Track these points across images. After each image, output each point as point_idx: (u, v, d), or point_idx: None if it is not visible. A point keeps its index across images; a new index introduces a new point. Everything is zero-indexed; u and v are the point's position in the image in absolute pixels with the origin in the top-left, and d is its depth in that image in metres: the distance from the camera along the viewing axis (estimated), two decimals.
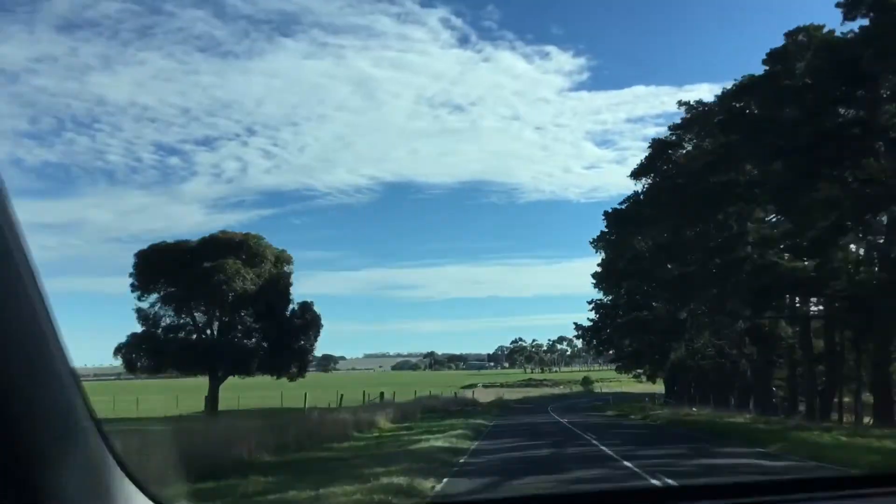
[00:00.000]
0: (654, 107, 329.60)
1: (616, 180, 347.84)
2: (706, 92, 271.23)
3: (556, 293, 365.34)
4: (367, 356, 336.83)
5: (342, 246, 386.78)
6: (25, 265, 1.09)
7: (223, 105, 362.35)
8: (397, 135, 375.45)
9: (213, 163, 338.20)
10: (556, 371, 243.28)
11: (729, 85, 42.46)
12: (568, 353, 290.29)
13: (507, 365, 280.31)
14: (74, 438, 1.23)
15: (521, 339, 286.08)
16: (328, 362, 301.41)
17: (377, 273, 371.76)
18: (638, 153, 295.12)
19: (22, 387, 1.07)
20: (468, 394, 75.70)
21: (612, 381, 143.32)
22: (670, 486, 3.25)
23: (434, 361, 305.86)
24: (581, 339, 73.57)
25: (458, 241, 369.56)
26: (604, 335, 63.26)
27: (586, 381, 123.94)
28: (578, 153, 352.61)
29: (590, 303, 62.24)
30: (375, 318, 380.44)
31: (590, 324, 63.77)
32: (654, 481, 12.19)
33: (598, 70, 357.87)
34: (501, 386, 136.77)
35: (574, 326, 65.70)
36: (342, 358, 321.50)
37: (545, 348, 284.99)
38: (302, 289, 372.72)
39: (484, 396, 76.33)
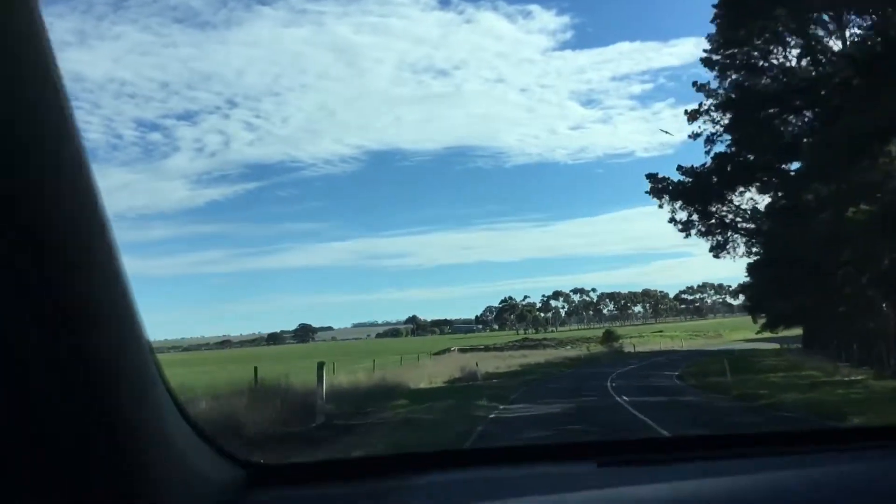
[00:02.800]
0: (638, 63, 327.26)
1: (602, 140, 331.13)
2: (691, 47, 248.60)
3: (546, 256, 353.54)
4: (356, 325, 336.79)
5: (329, 217, 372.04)
6: (110, 237, 1.13)
7: (203, 77, 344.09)
8: (381, 102, 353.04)
9: (194, 137, 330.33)
10: (552, 331, 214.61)
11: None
12: (564, 310, 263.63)
13: (496, 327, 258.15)
14: (152, 404, 1.29)
15: (511, 298, 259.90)
16: (306, 332, 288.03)
17: (365, 242, 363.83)
18: (624, 112, 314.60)
19: (107, 355, 1.12)
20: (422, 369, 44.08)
21: (635, 336, 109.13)
22: (666, 437, 3.15)
23: (417, 327, 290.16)
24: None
25: (446, 208, 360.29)
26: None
27: (610, 337, 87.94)
28: (564, 114, 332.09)
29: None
30: (364, 287, 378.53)
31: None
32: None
33: (582, 28, 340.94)
34: (487, 349, 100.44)
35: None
36: (329, 328, 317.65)
37: (539, 306, 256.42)
38: (291, 261, 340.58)
39: (447, 368, 43.57)
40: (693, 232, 46.34)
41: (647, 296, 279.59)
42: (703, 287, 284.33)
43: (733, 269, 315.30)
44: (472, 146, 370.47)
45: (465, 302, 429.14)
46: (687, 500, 1.46)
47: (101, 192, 1.10)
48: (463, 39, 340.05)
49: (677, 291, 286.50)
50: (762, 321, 51.03)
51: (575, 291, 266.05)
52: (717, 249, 48.22)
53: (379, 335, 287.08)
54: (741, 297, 68.72)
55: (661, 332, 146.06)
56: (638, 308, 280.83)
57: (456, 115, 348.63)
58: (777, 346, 78.46)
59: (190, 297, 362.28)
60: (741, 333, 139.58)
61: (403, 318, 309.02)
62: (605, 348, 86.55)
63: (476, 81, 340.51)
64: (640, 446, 2.11)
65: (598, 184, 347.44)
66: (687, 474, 1.66)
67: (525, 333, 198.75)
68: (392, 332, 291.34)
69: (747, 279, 49.57)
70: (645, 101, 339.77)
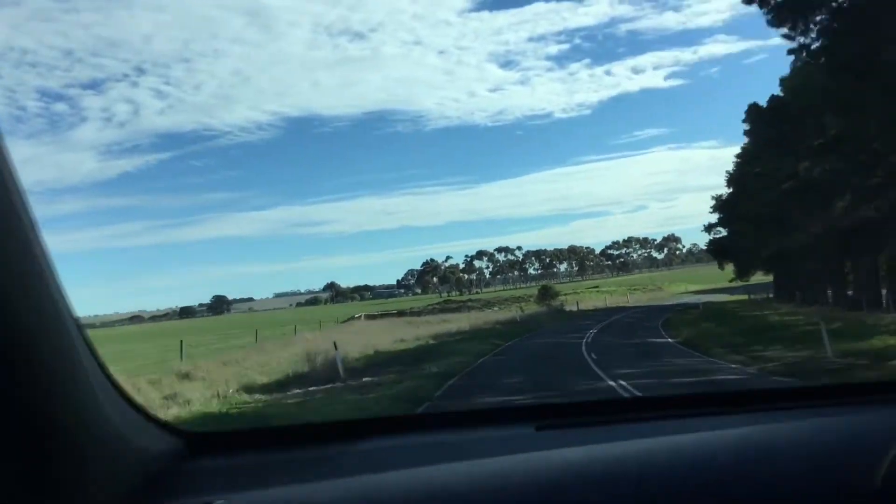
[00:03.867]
0: (554, 24, 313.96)
1: (521, 102, 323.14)
2: (606, 7, 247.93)
3: (470, 219, 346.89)
4: (278, 295, 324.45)
5: (248, 186, 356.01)
6: (28, 216, 1.15)
7: (109, 44, 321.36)
8: (297, 67, 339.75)
9: (102, 106, 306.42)
10: (476, 292, 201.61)
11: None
12: (489, 270, 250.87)
13: (419, 291, 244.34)
14: (81, 379, 1.30)
15: (433, 261, 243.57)
16: (220, 305, 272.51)
17: (286, 211, 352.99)
18: (541, 73, 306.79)
19: (28, 331, 1.13)
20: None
21: (569, 293, 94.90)
22: (603, 399, 2.63)
23: (336, 294, 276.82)
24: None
25: (367, 174, 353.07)
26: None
27: (547, 294, 72.27)
28: (482, 76, 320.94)
29: None
30: (287, 256, 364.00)
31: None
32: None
33: None
34: (401, 314, 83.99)
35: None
36: (249, 299, 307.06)
37: (462, 266, 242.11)
38: (210, 232, 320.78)
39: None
40: None
41: (572, 253, 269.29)
42: (629, 241, 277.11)
43: (652, 225, 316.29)
44: (392, 110, 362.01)
45: (390, 267, 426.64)
46: (622, 460, 1.47)
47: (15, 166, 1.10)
48: (379, 1, 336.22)
49: (602, 247, 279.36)
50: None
51: (499, 251, 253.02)
52: None
53: (300, 304, 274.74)
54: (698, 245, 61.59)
55: (596, 287, 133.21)
56: (563, 266, 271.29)
57: (374, 79, 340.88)
58: (742, 295, 74.20)
59: (103, 272, 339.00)
60: (680, 286, 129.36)
61: (323, 283, 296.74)
62: (541, 307, 70.59)
63: (393, 44, 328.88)
64: (579, 409, 2.09)
65: (518, 145, 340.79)
66: (624, 435, 1.64)
67: (448, 296, 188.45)
68: (312, 300, 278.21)
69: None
70: (561, 61, 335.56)
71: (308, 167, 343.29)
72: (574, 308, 71.38)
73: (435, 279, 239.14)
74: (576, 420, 1.94)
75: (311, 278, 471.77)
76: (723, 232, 72.29)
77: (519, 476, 1.42)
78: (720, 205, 71.19)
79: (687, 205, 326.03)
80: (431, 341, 35.53)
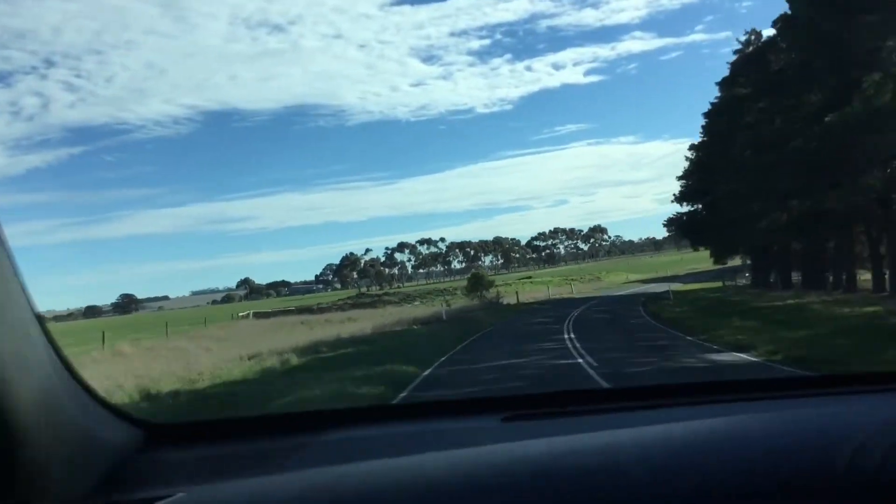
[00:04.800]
0: (476, 19, 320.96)
1: (444, 97, 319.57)
2: (526, 2, 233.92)
3: (394, 214, 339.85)
4: (195, 293, 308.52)
5: (163, 181, 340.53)
6: None
7: (15, 35, 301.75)
8: (214, 59, 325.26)
9: (9, 100, 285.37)
10: (398, 287, 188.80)
11: None
12: (411, 263, 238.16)
13: (338, 286, 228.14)
14: (36, 368, 1.31)
15: (352, 254, 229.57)
16: (129, 303, 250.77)
17: (204, 207, 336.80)
18: (463, 68, 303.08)
19: None
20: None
21: (501, 285, 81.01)
22: (571, 390, 2.13)
23: (251, 290, 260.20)
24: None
25: (289, 169, 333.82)
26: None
27: (479, 283, 57.66)
28: (404, 70, 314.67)
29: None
30: (205, 254, 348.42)
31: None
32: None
33: None
34: (300, 312, 68.59)
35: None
36: (164, 297, 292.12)
37: (383, 260, 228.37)
38: (123, 229, 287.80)
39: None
40: None
41: (497, 245, 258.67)
42: (555, 233, 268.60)
43: (573, 219, 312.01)
44: (313, 104, 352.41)
45: (315, 264, 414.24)
46: (588, 451, 1.45)
47: None
48: None
49: (528, 239, 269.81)
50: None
51: (422, 242, 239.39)
52: None
53: (215, 302, 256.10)
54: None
55: (529, 278, 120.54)
56: (489, 259, 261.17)
57: (294, 72, 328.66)
58: (705, 283, 67.94)
59: None
60: (619, 276, 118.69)
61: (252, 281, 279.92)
62: (472, 300, 56.17)
63: (313, 37, 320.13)
64: (546, 400, 2.03)
65: (441, 140, 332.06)
66: (591, 426, 1.63)
67: (368, 290, 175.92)
68: (226, 297, 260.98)
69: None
70: (483, 56, 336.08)
71: (227, 162, 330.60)
72: (513, 300, 57.39)
73: (354, 274, 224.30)
74: (543, 411, 1.90)
75: (233, 276, 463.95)
76: (682, 209, 60.61)
77: (484, 467, 1.40)
78: (692, 170, 58.82)
79: (606, 199, 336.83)
80: (295, 360, 20.54)
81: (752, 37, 47.30)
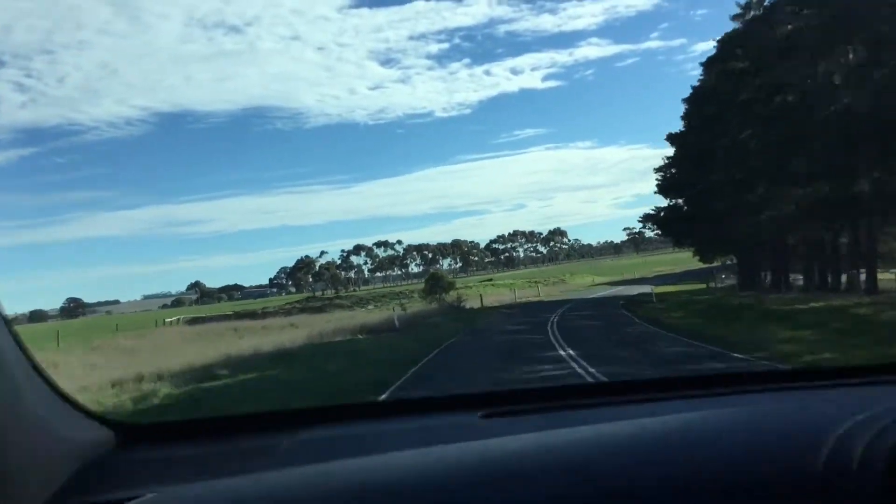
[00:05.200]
0: (434, 23, 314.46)
1: (402, 100, 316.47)
2: (485, 7, 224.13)
3: (351, 217, 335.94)
4: (147, 297, 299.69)
5: (115, 184, 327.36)
6: None
7: None
8: (169, 60, 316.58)
9: None
10: (353, 290, 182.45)
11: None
12: (368, 266, 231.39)
13: (293, 290, 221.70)
14: (3, 369, 1.33)
15: (307, 257, 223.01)
16: (76, 308, 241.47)
17: (158, 210, 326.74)
18: (422, 71, 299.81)
19: None
20: None
21: (461, 287, 75.25)
22: (551, 386, 2.08)
23: (202, 294, 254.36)
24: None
25: (245, 172, 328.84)
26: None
27: (438, 285, 51.16)
28: (363, 73, 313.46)
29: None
30: (158, 257, 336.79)
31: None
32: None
33: None
34: (240, 317, 61.82)
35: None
36: (115, 301, 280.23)
37: (338, 263, 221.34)
38: (73, 232, 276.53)
39: None
40: None
41: (456, 248, 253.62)
42: (514, 235, 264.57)
43: (531, 223, 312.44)
44: (270, 107, 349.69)
45: (269, 267, 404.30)
46: (567, 448, 1.44)
47: None
48: None
49: (487, 242, 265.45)
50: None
51: (378, 245, 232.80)
52: None
53: (165, 306, 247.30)
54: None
55: (491, 281, 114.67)
56: (447, 262, 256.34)
57: (251, 74, 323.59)
58: (686, 284, 65.76)
59: None
60: (584, 278, 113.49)
61: (211, 285, 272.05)
62: (431, 304, 49.77)
63: (271, 39, 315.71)
64: (525, 396, 2.01)
65: (400, 144, 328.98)
66: (570, 422, 1.60)
67: (322, 294, 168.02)
68: (176, 301, 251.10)
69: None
70: (442, 60, 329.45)
71: (181, 165, 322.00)
72: (476, 304, 51.01)
73: (309, 277, 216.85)
74: (521, 407, 1.86)
75: (187, 279, 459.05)
76: (660, 206, 55.36)
77: (462, 464, 1.38)
78: (672, 162, 53.35)
79: (564, 203, 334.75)
80: (165, 391, 13.89)
81: (749, 9, 41.83)
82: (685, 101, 51.44)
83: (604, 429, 1.52)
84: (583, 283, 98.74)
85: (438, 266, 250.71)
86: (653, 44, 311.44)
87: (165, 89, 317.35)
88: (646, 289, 57.49)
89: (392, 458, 1.44)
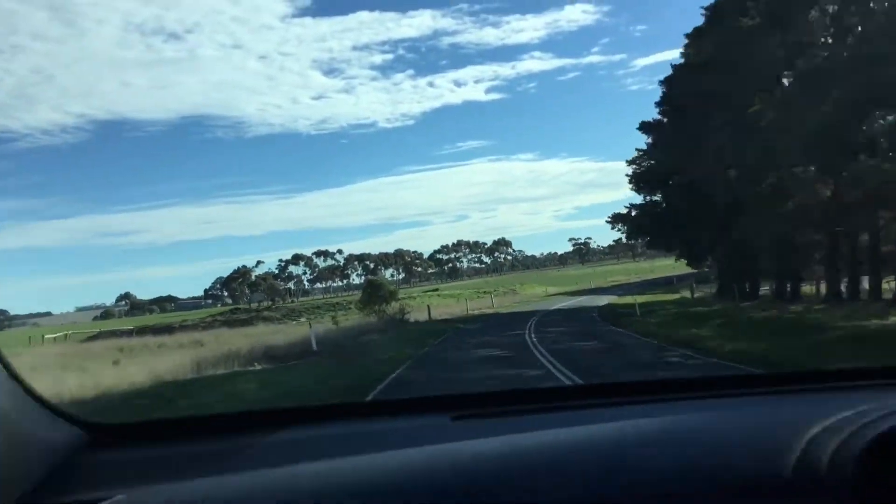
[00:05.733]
0: (378, 33, 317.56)
1: (346, 111, 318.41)
2: (428, 19, 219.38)
3: (293, 228, 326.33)
4: (80, 309, 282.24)
5: (50, 192, 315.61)
6: None
7: None
8: (106, 66, 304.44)
9: None
10: (291, 301, 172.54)
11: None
12: (307, 276, 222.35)
13: (229, 301, 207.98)
14: None
15: (243, 267, 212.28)
16: (3, 319, 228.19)
17: (93, 220, 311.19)
18: (366, 82, 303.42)
19: None
20: None
21: (404, 298, 66.93)
22: (523, 389, 2.46)
23: (132, 306, 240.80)
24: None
25: (184, 181, 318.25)
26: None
27: (378, 294, 42.27)
28: (306, 83, 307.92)
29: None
30: (94, 268, 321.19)
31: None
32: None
33: None
34: (132, 335, 52.29)
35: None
36: (47, 314, 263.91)
37: (276, 272, 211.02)
38: (5, 242, 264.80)
39: None
40: None
41: (399, 257, 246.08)
42: (458, 245, 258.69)
43: (473, 235, 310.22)
44: (210, 115, 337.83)
45: (207, 279, 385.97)
46: (537, 451, 1.43)
47: None
48: (196, 2, 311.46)
49: (431, 252, 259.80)
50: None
51: (318, 254, 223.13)
52: None
53: (97, 318, 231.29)
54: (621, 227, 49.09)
55: (437, 290, 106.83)
56: (389, 272, 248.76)
57: (190, 81, 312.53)
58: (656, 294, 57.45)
59: None
60: (535, 288, 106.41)
61: (141, 297, 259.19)
62: (369, 317, 41.34)
63: (211, 46, 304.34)
64: (496, 399, 1.99)
65: (343, 154, 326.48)
66: (539, 426, 1.60)
67: (259, 305, 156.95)
68: (104, 314, 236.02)
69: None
70: (386, 71, 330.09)
71: (118, 173, 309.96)
72: (423, 316, 42.70)
73: (245, 288, 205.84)
74: (492, 410, 1.85)
75: (123, 291, 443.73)
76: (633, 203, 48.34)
77: (433, 467, 1.38)
78: (649, 154, 46.15)
79: (507, 215, 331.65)
80: None
81: None
82: (662, 82, 44.54)
83: (576, 432, 1.49)
84: (535, 293, 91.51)
85: (381, 275, 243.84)
86: (594, 58, 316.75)
87: (102, 96, 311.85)
88: (608, 299, 52.52)
89: (362, 460, 1.42)
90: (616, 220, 51.26)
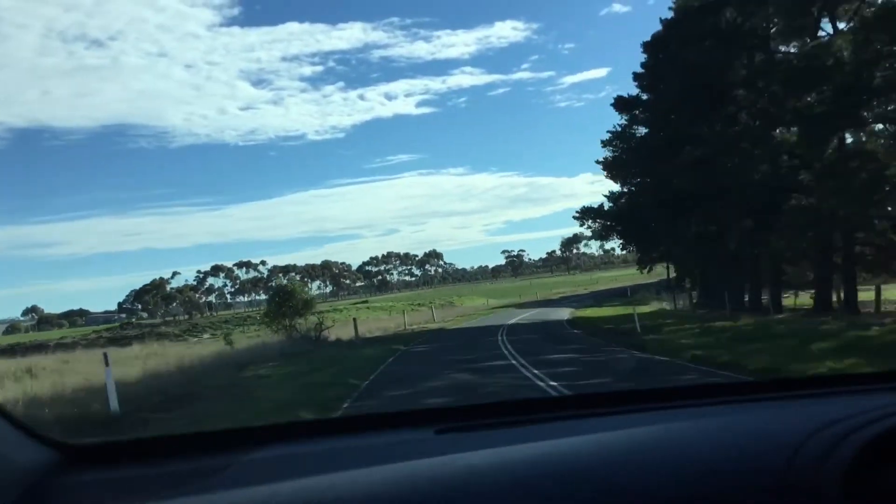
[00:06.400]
0: (308, 45, 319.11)
1: (274, 122, 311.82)
2: (359, 32, 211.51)
3: (219, 241, 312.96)
4: None
5: None
6: None
7: None
8: (25, 73, 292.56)
9: None
10: (208, 315, 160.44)
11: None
12: (228, 289, 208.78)
13: (144, 315, 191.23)
14: None
15: (161, 279, 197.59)
16: None
17: (8, 231, 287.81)
18: (295, 93, 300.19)
19: None
20: None
21: (328, 311, 57.26)
22: (506, 400, 1.95)
23: (40, 320, 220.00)
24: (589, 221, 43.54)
25: (106, 191, 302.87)
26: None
27: (285, 304, 31.36)
28: (233, 93, 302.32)
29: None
30: (8, 280, 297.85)
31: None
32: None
33: (250, 4, 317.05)
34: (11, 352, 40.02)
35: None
36: None
37: (194, 283, 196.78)
38: None
39: None
40: None
41: (326, 269, 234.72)
42: (388, 257, 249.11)
43: (403, 248, 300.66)
44: (134, 125, 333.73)
45: (125, 292, 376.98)
46: (523, 463, 1.40)
47: None
48: (120, 8, 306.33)
49: (360, 264, 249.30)
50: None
51: (240, 265, 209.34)
52: None
53: (4, 332, 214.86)
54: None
55: (366, 303, 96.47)
56: (316, 285, 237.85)
57: (113, 90, 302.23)
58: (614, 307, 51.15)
59: None
60: (474, 300, 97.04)
61: (59, 310, 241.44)
62: (277, 334, 30.94)
63: (136, 55, 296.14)
64: (480, 411, 1.95)
65: (271, 166, 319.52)
66: (524, 438, 1.58)
67: (175, 319, 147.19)
68: (10, 328, 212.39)
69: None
70: (315, 83, 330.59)
71: (36, 183, 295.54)
72: (349, 334, 31.97)
73: (159, 299, 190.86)
74: (477, 422, 1.83)
75: (42, 303, 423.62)
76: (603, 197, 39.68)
77: (416, 482, 1.35)
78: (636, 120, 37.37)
79: (437, 229, 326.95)
80: None
81: None
82: (645, 45, 35.87)
83: (561, 444, 1.47)
84: (476, 305, 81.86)
85: (308, 287, 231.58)
86: (523, 75, 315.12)
87: (21, 104, 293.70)
88: (566, 311, 47.04)
89: (344, 476, 1.38)
90: (585, 215, 42.12)
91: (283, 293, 31.72)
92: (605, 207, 41.33)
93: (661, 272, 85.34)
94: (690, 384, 2.50)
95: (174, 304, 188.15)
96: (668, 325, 27.73)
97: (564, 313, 47.63)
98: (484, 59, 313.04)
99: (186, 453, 1.67)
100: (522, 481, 1.29)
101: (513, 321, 41.87)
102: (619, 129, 39.74)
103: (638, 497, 1.23)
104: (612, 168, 40.24)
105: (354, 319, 33.46)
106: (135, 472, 1.58)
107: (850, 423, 1.35)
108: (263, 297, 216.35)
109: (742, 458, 1.32)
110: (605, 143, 39.57)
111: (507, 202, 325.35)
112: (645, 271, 50.13)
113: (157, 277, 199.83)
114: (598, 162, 41.01)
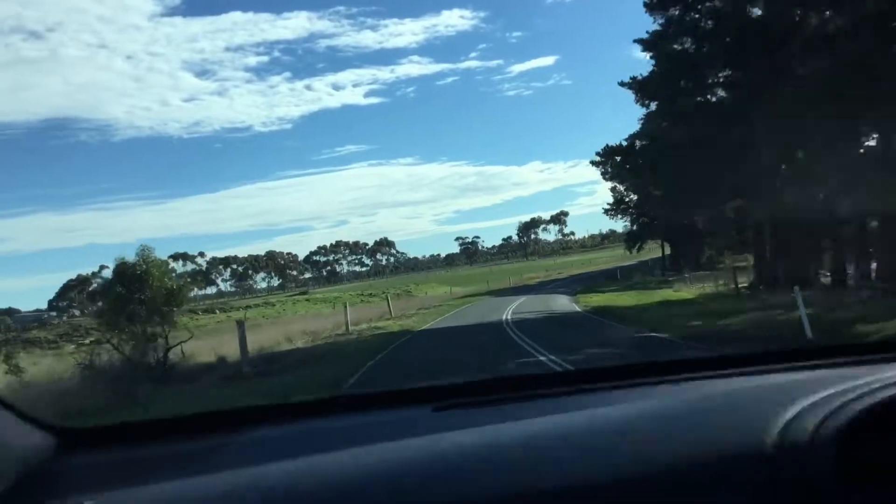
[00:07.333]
0: (253, 35, 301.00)
1: (219, 114, 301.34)
2: (304, 21, 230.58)
3: (164, 235, 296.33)
4: None
5: None
6: None
7: None
8: None
9: None
10: None
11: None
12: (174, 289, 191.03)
13: (77, 313, 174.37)
14: None
15: (91, 273, 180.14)
16: None
17: None
18: (240, 84, 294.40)
19: None
20: None
21: (259, 306, 42.08)
22: (503, 377, 1.99)
23: None
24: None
25: (46, 187, 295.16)
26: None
27: (127, 306, 17.92)
28: (176, 84, 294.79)
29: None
30: None
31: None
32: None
33: None
34: None
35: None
36: None
37: None
38: None
39: None
40: None
41: (271, 260, 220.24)
42: (337, 246, 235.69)
43: (356, 238, 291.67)
44: (74, 118, 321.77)
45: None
46: (517, 439, 1.42)
47: None
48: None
49: (307, 254, 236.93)
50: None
51: (175, 258, 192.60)
52: None
53: None
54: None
55: (305, 295, 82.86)
56: (261, 276, 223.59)
57: (52, 82, 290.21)
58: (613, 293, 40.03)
59: None
60: (435, 289, 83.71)
61: None
62: (130, 349, 16.70)
63: (75, 46, 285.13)
64: (478, 388, 1.95)
65: (217, 159, 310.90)
66: (520, 414, 1.58)
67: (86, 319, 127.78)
68: None
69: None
70: (261, 73, 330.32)
71: None
72: (233, 350, 18.29)
73: (83, 296, 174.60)
74: (473, 399, 1.82)
75: None
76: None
77: (413, 459, 1.36)
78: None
79: (387, 219, 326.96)
80: None
81: None
82: None
83: (557, 420, 1.48)
84: (438, 294, 68.69)
85: (252, 282, 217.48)
86: (472, 63, 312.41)
87: None
88: (563, 299, 37.95)
89: (341, 455, 1.38)
90: (609, 155, 29.26)
91: (126, 279, 17.92)
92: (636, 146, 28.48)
93: (642, 255, 73.88)
94: (686, 358, 2.03)
95: (101, 303, 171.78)
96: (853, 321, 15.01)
97: (562, 301, 35.35)
98: (432, 48, 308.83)
99: (182, 435, 1.63)
100: (520, 458, 1.28)
101: (519, 315, 28.66)
102: (654, 35, 26.93)
103: (629, 474, 1.23)
104: (645, 88, 27.41)
105: (239, 321, 18.90)
106: (130, 454, 1.55)
107: (847, 394, 1.33)
108: (207, 291, 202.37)
109: (731, 433, 1.30)
110: (640, 42, 26.56)
111: (456, 191, 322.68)
112: (634, 250, 39.72)
113: (88, 272, 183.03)
114: (622, 84, 28.16)
